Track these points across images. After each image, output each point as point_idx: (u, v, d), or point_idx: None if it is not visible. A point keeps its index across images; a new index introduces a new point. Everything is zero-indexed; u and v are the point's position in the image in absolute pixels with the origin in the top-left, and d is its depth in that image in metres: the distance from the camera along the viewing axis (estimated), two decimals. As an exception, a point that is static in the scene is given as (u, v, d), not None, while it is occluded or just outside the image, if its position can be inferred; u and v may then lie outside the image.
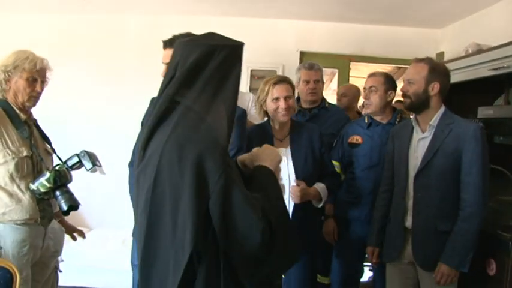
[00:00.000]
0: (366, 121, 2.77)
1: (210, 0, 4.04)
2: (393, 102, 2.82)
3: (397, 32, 4.67)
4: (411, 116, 2.37)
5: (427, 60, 2.26)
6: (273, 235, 1.17)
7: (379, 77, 2.74)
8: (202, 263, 1.16)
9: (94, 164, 2.09)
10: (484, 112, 2.64)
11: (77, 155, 2.10)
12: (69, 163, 2.09)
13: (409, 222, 2.24)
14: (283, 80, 2.40)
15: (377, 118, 2.74)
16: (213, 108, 1.25)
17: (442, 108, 2.22)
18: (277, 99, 2.34)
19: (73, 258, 3.18)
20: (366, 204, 2.65)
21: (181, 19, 4.27)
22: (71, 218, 2.36)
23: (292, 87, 2.44)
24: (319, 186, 2.36)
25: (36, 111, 2.27)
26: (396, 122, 2.71)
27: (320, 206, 2.40)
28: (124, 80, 4.51)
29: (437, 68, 2.22)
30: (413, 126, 2.30)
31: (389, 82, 2.73)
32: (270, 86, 2.36)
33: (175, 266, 1.16)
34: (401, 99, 2.42)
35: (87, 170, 2.09)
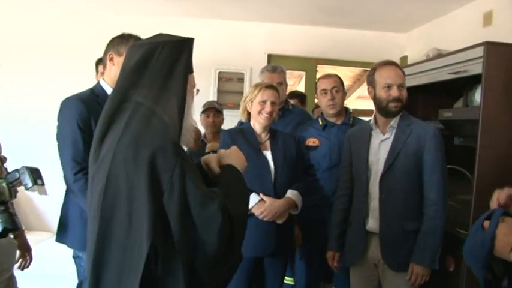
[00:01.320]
0: (321, 123, 2.82)
1: (177, 1, 4.02)
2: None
3: (364, 36, 4.77)
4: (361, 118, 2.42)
5: (397, 65, 2.33)
6: (232, 233, 1.19)
7: (337, 79, 2.85)
8: (160, 262, 1.16)
9: (35, 183, 1.79)
10: (444, 114, 2.73)
11: (17, 170, 1.82)
12: (10, 179, 1.80)
13: (370, 224, 2.27)
14: (274, 88, 2.48)
15: (332, 119, 2.80)
16: (163, 100, 1.28)
17: (402, 111, 2.28)
18: (264, 102, 2.41)
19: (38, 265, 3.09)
20: (328, 207, 2.66)
21: (148, 20, 4.24)
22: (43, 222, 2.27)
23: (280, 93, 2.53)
24: (293, 194, 2.40)
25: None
26: (350, 122, 2.79)
27: (297, 212, 2.44)
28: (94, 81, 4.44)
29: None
30: (371, 128, 2.34)
31: (343, 84, 2.87)
32: (261, 89, 2.43)
33: (132, 265, 1.15)
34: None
35: (27, 189, 1.80)
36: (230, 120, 3.62)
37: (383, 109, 2.25)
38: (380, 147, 2.28)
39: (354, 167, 2.40)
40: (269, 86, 2.46)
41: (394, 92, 2.20)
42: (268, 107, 2.40)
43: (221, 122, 3.54)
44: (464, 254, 1.28)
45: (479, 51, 2.20)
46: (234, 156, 1.51)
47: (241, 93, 4.28)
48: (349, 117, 2.85)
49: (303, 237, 2.71)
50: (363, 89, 7.15)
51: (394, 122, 2.26)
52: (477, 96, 2.50)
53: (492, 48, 2.18)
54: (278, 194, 2.37)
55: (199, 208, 1.16)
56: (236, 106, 4.42)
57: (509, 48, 2.22)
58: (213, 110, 3.46)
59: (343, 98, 2.85)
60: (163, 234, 1.15)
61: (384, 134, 2.29)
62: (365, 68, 5.54)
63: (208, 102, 3.58)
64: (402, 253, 2.18)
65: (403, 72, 2.29)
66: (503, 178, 2.16)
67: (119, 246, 1.19)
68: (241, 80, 4.67)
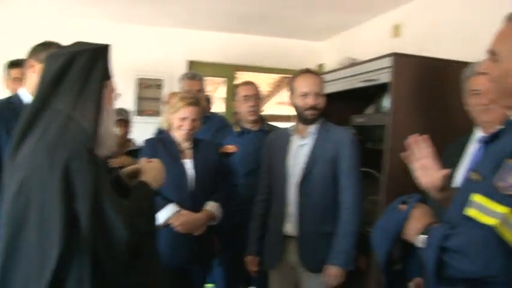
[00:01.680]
0: (237, 130, 2.86)
1: (98, 4, 3.88)
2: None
3: (283, 44, 4.90)
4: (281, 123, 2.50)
5: (316, 73, 2.42)
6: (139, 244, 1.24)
7: (256, 86, 2.92)
8: (71, 266, 1.17)
9: None
10: (356, 120, 2.88)
11: None
12: None
13: (288, 229, 2.32)
14: (196, 103, 2.44)
15: (248, 126, 2.86)
16: (80, 106, 1.31)
17: (321, 118, 2.36)
18: (184, 119, 2.38)
19: None
20: (247, 212, 2.67)
21: (68, 23, 4.09)
22: None
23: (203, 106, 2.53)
24: (212, 206, 2.41)
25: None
26: (266, 129, 2.87)
27: (215, 223, 2.44)
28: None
29: None
30: (291, 134, 2.40)
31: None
32: (183, 105, 2.38)
33: (42, 268, 1.15)
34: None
35: None
36: (148, 127, 3.49)
37: (301, 116, 2.32)
38: (299, 153, 2.34)
39: (272, 172, 2.44)
40: (192, 103, 2.40)
41: (310, 101, 2.26)
42: (187, 125, 2.38)
43: (128, 133, 3.33)
44: (375, 231, 1.36)
45: (388, 62, 2.33)
46: (154, 171, 1.57)
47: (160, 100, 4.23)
48: (265, 124, 2.91)
49: (222, 243, 2.69)
50: (283, 95, 7.34)
51: (313, 128, 2.33)
52: (386, 102, 2.66)
53: (399, 59, 2.32)
54: (196, 203, 2.36)
55: (109, 215, 1.19)
56: (155, 113, 4.37)
57: (414, 59, 2.39)
58: (123, 122, 3.22)
59: (261, 106, 2.93)
60: (74, 240, 1.16)
61: (302, 140, 2.36)
62: (284, 75, 5.70)
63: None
64: (318, 255, 2.25)
65: (322, 81, 2.36)
66: (409, 179, 2.32)
67: (28, 252, 1.19)
68: (159, 86, 4.60)
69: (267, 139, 2.60)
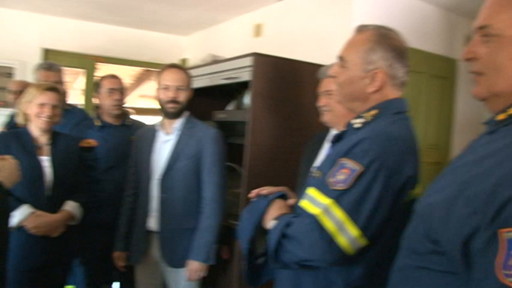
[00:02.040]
0: (98, 123, 2.79)
1: None
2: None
3: (146, 36, 4.84)
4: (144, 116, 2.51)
5: (181, 68, 2.43)
6: None
7: (121, 79, 2.87)
8: None
9: None
10: (218, 116, 2.98)
11: None
12: None
13: (151, 224, 2.33)
14: (56, 90, 2.29)
15: (110, 120, 2.81)
16: None
17: (187, 112, 2.40)
18: (43, 105, 2.22)
19: None
20: (109, 207, 2.64)
21: None
22: None
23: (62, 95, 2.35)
24: (72, 206, 2.30)
25: None
26: (128, 123, 2.85)
27: (75, 223, 2.34)
28: None
29: None
30: (156, 129, 2.41)
31: None
32: (40, 91, 2.23)
33: None
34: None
35: None
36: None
37: (163, 110, 2.35)
38: (163, 148, 2.36)
39: (138, 167, 2.44)
40: (50, 88, 2.28)
41: (170, 93, 2.29)
42: (48, 111, 2.24)
43: None
44: (241, 218, 1.46)
45: (249, 61, 2.46)
46: (6, 169, 1.48)
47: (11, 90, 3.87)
48: (127, 118, 2.88)
49: (82, 241, 2.58)
50: (145, 88, 7.21)
51: (178, 124, 2.36)
52: (247, 100, 2.82)
53: (259, 59, 2.47)
54: (54, 203, 2.25)
55: None
56: (5, 104, 3.99)
57: (273, 59, 2.55)
58: None
59: (124, 99, 2.88)
60: None
61: (167, 135, 2.38)
62: (147, 68, 5.61)
63: None
64: (180, 251, 2.29)
65: (188, 76, 2.39)
66: (268, 172, 2.50)
67: None
68: (10, 75, 4.20)
69: (135, 134, 2.57)
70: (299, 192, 1.44)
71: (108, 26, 4.63)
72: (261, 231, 1.39)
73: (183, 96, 2.34)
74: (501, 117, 0.87)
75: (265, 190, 1.49)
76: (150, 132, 2.44)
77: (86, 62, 4.66)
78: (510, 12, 0.86)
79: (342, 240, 1.15)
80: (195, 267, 2.26)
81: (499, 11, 0.88)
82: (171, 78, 2.31)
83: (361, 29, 1.38)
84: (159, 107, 2.38)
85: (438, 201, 0.82)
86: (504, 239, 0.66)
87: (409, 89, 3.13)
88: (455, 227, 0.75)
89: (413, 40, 3.12)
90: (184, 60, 4.92)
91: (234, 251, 2.53)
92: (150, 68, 5.46)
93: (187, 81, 2.38)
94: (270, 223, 1.33)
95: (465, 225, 0.73)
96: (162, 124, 2.41)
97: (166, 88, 2.31)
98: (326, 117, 1.91)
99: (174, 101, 2.30)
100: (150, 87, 7.19)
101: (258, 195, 1.50)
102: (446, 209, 0.79)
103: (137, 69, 6.18)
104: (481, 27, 0.91)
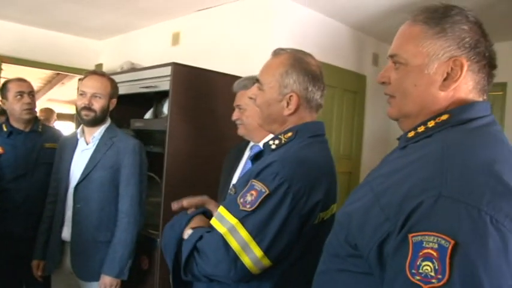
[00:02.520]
0: (5, 129, 2.63)
1: None
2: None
3: (58, 38, 4.61)
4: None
5: (103, 75, 2.35)
6: None
7: (30, 82, 2.71)
8: None
9: None
10: (135, 124, 2.92)
11: None
12: None
13: (64, 233, 2.25)
14: None
15: (19, 126, 2.65)
16: None
17: (108, 122, 2.34)
18: None
19: None
20: (19, 217, 2.51)
21: None
22: None
23: None
24: None
25: None
26: (39, 130, 2.71)
27: None
28: None
29: None
30: (78, 138, 2.33)
31: None
32: None
33: None
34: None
35: None
36: None
37: (79, 117, 2.28)
38: (82, 157, 2.29)
39: (59, 174, 2.35)
40: None
41: (85, 100, 2.23)
42: None
43: None
44: (165, 231, 1.45)
45: (168, 70, 2.46)
46: None
47: None
48: (38, 124, 2.73)
49: None
50: (55, 92, 6.85)
51: (98, 133, 2.29)
52: (165, 108, 2.79)
53: (178, 68, 2.46)
54: None
55: None
56: None
57: (191, 69, 2.56)
58: None
59: (35, 104, 2.72)
60: None
61: (87, 144, 2.31)
62: (59, 72, 5.35)
63: None
64: (92, 263, 2.21)
65: (109, 84, 2.32)
66: (186, 181, 2.49)
67: None
68: None
69: (59, 142, 2.46)
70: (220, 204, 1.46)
71: (16, 25, 4.35)
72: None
73: (98, 104, 2.25)
74: (411, 134, 0.97)
75: (185, 201, 1.49)
76: (72, 140, 2.37)
77: (-9, 62, 4.34)
78: (413, 44, 0.96)
79: (246, 260, 1.19)
80: (107, 282, 2.19)
81: (405, 42, 0.98)
82: (88, 85, 2.25)
83: (278, 52, 1.43)
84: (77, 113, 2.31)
85: (356, 210, 0.90)
86: (412, 242, 0.74)
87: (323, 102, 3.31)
88: (371, 232, 0.83)
89: (326, 56, 3.32)
90: (99, 66, 4.75)
91: (153, 262, 2.49)
92: (62, 72, 5.20)
93: (107, 89, 2.30)
94: (186, 232, 1.35)
95: (379, 231, 0.81)
96: (82, 132, 2.34)
97: (82, 94, 2.25)
98: (240, 131, 1.96)
99: (87, 107, 2.23)
100: (62, 91, 6.86)
101: (181, 210, 1.49)
102: (363, 217, 0.86)
103: (47, 72, 5.87)
104: (392, 56, 1.01)
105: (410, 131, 0.98)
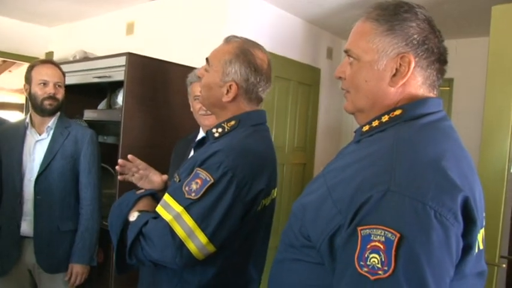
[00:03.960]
0: None
1: None
2: None
3: (5, 23, 4.40)
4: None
5: (57, 64, 2.31)
6: None
7: None
8: None
9: None
10: (88, 115, 2.86)
11: None
12: None
13: (23, 228, 2.19)
14: None
15: None
16: None
17: (59, 112, 2.30)
18: None
19: None
20: None
21: None
22: None
23: None
24: None
25: None
26: None
27: None
28: None
29: None
30: (26, 127, 2.26)
31: None
32: None
33: None
34: None
35: None
36: None
37: (38, 107, 2.21)
38: (36, 148, 2.23)
39: (4, 167, 2.26)
40: None
41: (49, 89, 2.20)
42: None
43: None
44: (112, 210, 1.46)
45: (122, 60, 2.42)
46: None
47: None
48: None
49: None
50: (1, 80, 6.56)
51: (52, 122, 2.26)
52: (119, 99, 2.74)
53: (133, 58, 2.43)
54: None
55: None
56: None
57: (146, 60, 2.53)
58: None
59: None
60: None
61: (40, 134, 2.25)
62: (4, 59, 5.12)
63: None
64: (58, 254, 2.19)
65: (63, 73, 2.31)
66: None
67: None
68: None
69: None
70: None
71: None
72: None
73: (61, 93, 2.26)
74: (366, 128, 1.01)
75: (130, 156, 1.61)
76: (17, 131, 2.27)
77: None
78: (365, 40, 0.99)
79: (192, 246, 1.23)
80: (78, 270, 2.20)
81: (357, 38, 1.02)
82: (50, 74, 2.22)
83: (229, 39, 1.46)
84: (33, 103, 2.24)
85: (310, 202, 0.94)
86: (361, 235, 0.78)
87: (277, 94, 3.35)
88: (323, 225, 0.86)
89: (281, 49, 3.36)
90: (49, 54, 4.58)
91: (109, 254, 2.46)
92: (8, 59, 4.99)
93: (64, 78, 2.31)
94: (133, 214, 1.36)
95: (331, 224, 0.85)
96: (31, 122, 2.26)
97: (44, 84, 2.20)
98: (208, 121, 1.94)
99: (52, 97, 2.21)
100: (9, 79, 6.58)
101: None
102: (316, 209, 0.90)
103: (-7, 60, 5.62)
104: (346, 51, 1.04)
105: (365, 125, 1.01)
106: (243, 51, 1.40)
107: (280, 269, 1.03)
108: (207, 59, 1.46)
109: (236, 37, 1.45)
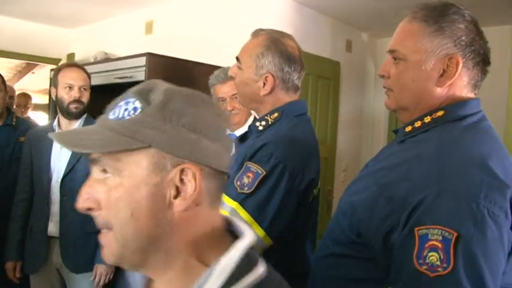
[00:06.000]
0: None
1: None
2: None
3: (27, 27, 4.48)
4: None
5: (82, 67, 2.34)
6: None
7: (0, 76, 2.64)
8: None
9: None
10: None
11: None
12: None
13: (50, 229, 2.23)
14: None
15: None
16: None
17: (85, 114, 2.33)
18: None
19: None
20: None
21: None
22: None
23: None
24: None
25: None
26: (13, 123, 2.67)
27: None
28: None
29: None
30: (54, 130, 2.30)
31: (5, 82, 2.69)
32: None
33: None
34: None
35: None
36: None
37: (65, 110, 2.25)
38: (62, 150, 2.27)
39: (35, 169, 2.31)
40: None
41: (75, 93, 2.22)
42: None
43: None
44: None
45: (142, 61, 2.44)
46: None
47: None
48: (12, 117, 2.68)
49: None
50: (26, 82, 6.70)
51: (78, 125, 2.29)
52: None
53: (152, 58, 2.45)
54: None
55: None
56: None
57: (165, 59, 2.55)
58: None
59: (4, 98, 2.66)
60: None
61: None
62: (28, 61, 5.23)
63: None
64: (83, 255, 2.22)
65: (88, 75, 2.33)
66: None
67: None
68: None
69: (27, 135, 2.42)
70: None
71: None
72: None
73: (86, 97, 2.29)
74: (408, 129, 1.03)
75: None
76: (45, 134, 2.32)
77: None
78: (412, 40, 1.00)
79: None
80: (103, 271, 2.22)
81: (404, 38, 1.03)
82: (75, 77, 2.25)
83: (256, 33, 1.45)
84: (60, 107, 2.28)
85: (360, 201, 0.96)
86: (418, 235, 0.82)
87: (299, 83, 3.33)
88: (377, 223, 0.90)
89: (301, 43, 3.32)
90: (71, 55, 4.65)
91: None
92: (32, 61, 5.09)
93: (89, 81, 2.33)
94: None
95: (385, 223, 0.89)
96: (59, 124, 2.31)
97: (69, 87, 2.23)
98: (236, 119, 1.95)
99: (78, 101, 2.24)
100: (33, 81, 6.72)
101: None
102: (368, 209, 0.93)
103: (15, 62, 5.74)
104: (391, 51, 1.06)
105: (407, 126, 1.03)
106: (273, 41, 1.39)
107: (325, 263, 1.05)
108: (237, 57, 1.46)
109: (263, 30, 1.45)
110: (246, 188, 1.24)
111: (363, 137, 4.18)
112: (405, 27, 1.04)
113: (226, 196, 1.27)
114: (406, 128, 1.03)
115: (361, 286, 0.96)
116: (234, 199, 1.24)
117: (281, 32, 1.46)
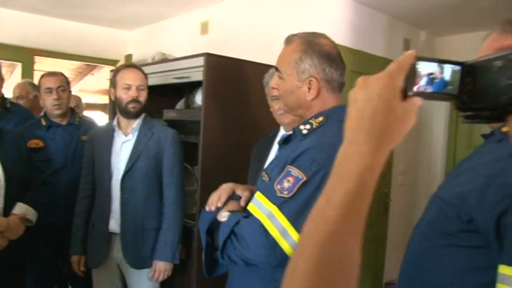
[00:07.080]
0: (44, 123, 2.67)
1: None
2: None
3: (87, 30, 4.66)
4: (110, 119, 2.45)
5: (139, 68, 2.40)
6: None
7: (63, 77, 2.75)
8: None
9: None
10: (168, 114, 2.95)
11: None
12: None
13: (111, 225, 2.30)
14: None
15: (57, 120, 2.69)
16: None
17: (143, 113, 2.38)
18: None
19: None
20: (59, 210, 2.57)
21: None
22: None
23: None
24: (20, 209, 2.14)
25: None
26: (76, 122, 2.75)
27: (32, 224, 2.21)
28: None
29: None
30: (113, 129, 2.37)
31: (69, 82, 2.80)
32: None
33: None
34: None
35: None
36: None
37: (123, 110, 2.31)
38: (122, 149, 2.33)
39: (96, 167, 2.39)
40: None
41: (132, 93, 2.28)
42: None
43: None
44: (202, 211, 1.48)
45: (200, 61, 2.46)
46: None
47: None
48: (75, 117, 2.78)
49: (30, 245, 2.44)
50: (85, 82, 6.97)
51: (136, 124, 2.34)
52: (198, 99, 2.80)
53: (210, 59, 2.47)
54: (9, 203, 2.11)
55: None
56: None
57: (223, 59, 2.57)
58: None
59: (69, 98, 2.76)
60: None
61: (126, 136, 2.35)
62: (88, 63, 5.43)
63: None
64: (143, 251, 2.28)
65: (145, 76, 2.38)
66: (221, 170, 2.51)
67: None
68: None
69: (89, 134, 2.51)
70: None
71: (48, 18, 4.41)
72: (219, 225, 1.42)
73: (143, 96, 2.34)
74: (505, 129, 1.05)
75: (219, 203, 1.47)
76: (106, 133, 2.40)
77: (22, 55, 4.40)
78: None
79: (285, 245, 1.20)
80: (161, 267, 2.26)
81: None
82: (132, 78, 2.30)
83: (289, 39, 1.43)
84: (118, 107, 2.34)
85: (469, 191, 0.97)
86: None
87: (350, 88, 3.27)
88: (489, 208, 0.90)
89: (356, 42, 3.27)
90: (128, 56, 4.80)
91: (191, 251, 2.53)
92: (91, 63, 5.29)
93: (146, 81, 2.38)
94: (223, 215, 1.37)
95: (497, 207, 0.88)
96: (118, 124, 2.37)
97: (127, 87, 2.28)
98: (287, 120, 1.92)
99: (136, 100, 2.29)
100: (92, 81, 6.97)
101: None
102: (479, 196, 0.93)
103: (77, 64, 5.97)
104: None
105: (503, 126, 1.08)
106: (308, 44, 1.37)
107: (425, 256, 1.03)
108: (276, 67, 1.44)
109: (295, 35, 1.43)
110: (285, 192, 1.22)
111: (421, 138, 4.04)
112: (495, 41, 1.04)
113: (265, 198, 1.26)
114: (503, 128, 1.06)
115: (467, 275, 0.95)
116: (273, 202, 1.23)
117: (314, 33, 1.43)
